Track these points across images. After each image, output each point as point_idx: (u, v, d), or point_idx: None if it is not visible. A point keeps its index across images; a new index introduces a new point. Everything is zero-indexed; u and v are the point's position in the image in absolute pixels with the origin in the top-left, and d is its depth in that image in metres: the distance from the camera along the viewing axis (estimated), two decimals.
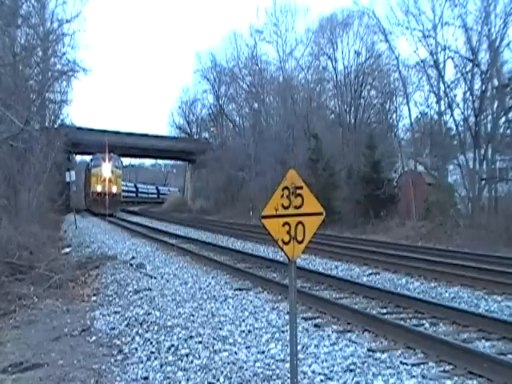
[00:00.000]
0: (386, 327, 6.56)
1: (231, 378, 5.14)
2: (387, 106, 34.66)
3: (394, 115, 34.28)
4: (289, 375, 4.58)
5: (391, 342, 6.23)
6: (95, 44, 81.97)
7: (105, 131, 42.09)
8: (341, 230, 23.27)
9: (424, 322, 7.16)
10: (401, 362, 5.51)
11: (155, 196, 72.31)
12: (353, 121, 32.78)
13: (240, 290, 9.75)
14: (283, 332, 6.65)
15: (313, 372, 5.26)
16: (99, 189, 40.32)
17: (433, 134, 24.73)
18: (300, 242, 4.30)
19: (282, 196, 4.25)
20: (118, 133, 44.61)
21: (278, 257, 13.48)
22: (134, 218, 36.35)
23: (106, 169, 40.61)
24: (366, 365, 5.43)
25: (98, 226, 28.14)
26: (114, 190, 41.22)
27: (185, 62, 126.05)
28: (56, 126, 29.32)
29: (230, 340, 6.39)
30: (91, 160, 43.11)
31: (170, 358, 5.79)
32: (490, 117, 21.99)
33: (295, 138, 34.50)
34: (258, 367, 5.42)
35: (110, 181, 40.76)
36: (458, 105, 22.32)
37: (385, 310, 7.89)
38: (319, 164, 27.09)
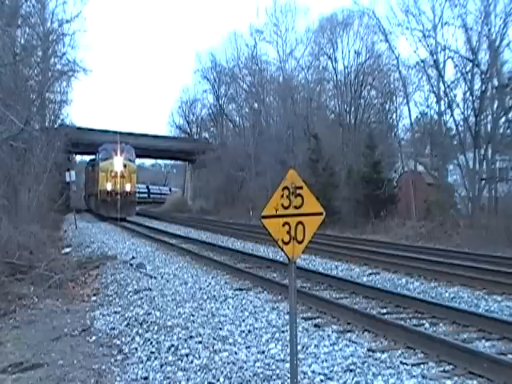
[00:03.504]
0: (386, 327, 6.57)
1: (231, 378, 5.14)
2: (387, 106, 34.72)
3: (394, 115, 34.35)
4: (289, 375, 4.58)
5: (391, 342, 6.23)
6: (95, 44, 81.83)
7: (105, 131, 41.42)
8: (341, 230, 23.26)
9: (424, 321, 7.16)
10: (401, 362, 5.52)
11: (146, 196, 70.75)
12: (353, 121, 32.78)
13: (240, 289, 9.75)
14: (283, 332, 6.65)
15: (313, 372, 5.26)
16: (109, 187, 32.97)
17: (433, 134, 24.75)
18: (300, 242, 4.30)
19: (282, 196, 4.25)
20: (117, 133, 43.00)
21: (278, 257, 13.48)
22: (133, 218, 36.25)
23: (118, 162, 33.21)
24: (365, 365, 5.43)
25: (98, 226, 28.15)
26: (128, 188, 33.55)
27: (185, 62, 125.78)
28: (56, 126, 29.27)
29: (230, 340, 6.39)
30: (99, 152, 35.03)
31: (170, 358, 5.79)
32: (489, 117, 21.99)
33: (295, 138, 34.49)
34: (258, 367, 5.42)
35: (122, 177, 33.33)
36: (458, 105, 22.36)
37: (385, 310, 7.89)
38: (319, 164, 27.09)
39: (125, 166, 33.49)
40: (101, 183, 33.37)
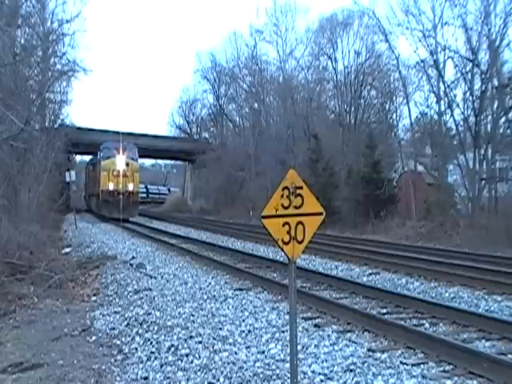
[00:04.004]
0: (386, 327, 6.56)
1: (231, 378, 5.14)
2: (387, 106, 34.70)
3: (394, 115, 34.34)
4: (289, 375, 4.58)
5: (391, 342, 6.23)
6: (95, 44, 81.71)
7: (105, 131, 41.30)
8: (341, 230, 23.27)
9: (424, 321, 7.16)
10: (401, 362, 5.51)
11: (144, 196, 69.92)
12: (353, 121, 32.79)
13: (240, 289, 9.75)
14: (283, 332, 6.65)
15: (313, 372, 5.26)
16: (112, 186, 31.55)
17: (433, 134, 24.75)
18: (300, 242, 4.30)
19: (282, 196, 4.26)
20: (117, 133, 42.33)
21: (278, 257, 13.48)
22: (133, 218, 36.10)
23: (121, 161, 31.87)
24: (365, 365, 5.43)
25: (98, 226, 28.14)
26: (131, 187, 32.16)
27: (185, 62, 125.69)
28: (56, 126, 29.25)
29: (230, 340, 6.39)
30: (100, 150, 33.40)
31: (170, 358, 5.79)
32: (489, 117, 22.01)
33: (295, 138, 34.51)
34: (258, 367, 5.42)
35: (125, 176, 31.90)
36: (457, 105, 22.38)
37: (385, 310, 7.89)
38: (319, 164, 27.10)
39: (127, 164, 32.16)
40: (102, 183, 31.95)
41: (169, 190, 69.88)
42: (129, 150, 32.66)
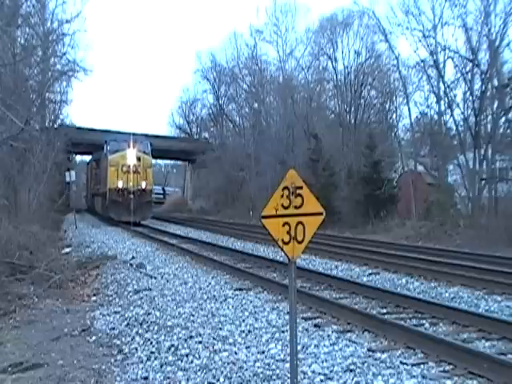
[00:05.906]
0: (386, 327, 6.56)
1: (231, 377, 5.13)
2: (387, 106, 34.72)
3: (394, 115, 34.36)
4: (289, 375, 4.58)
5: (391, 342, 6.23)
6: (95, 44, 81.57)
7: (105, 131, 41.19)
8: (341, 230, 23.25)
9: (424, 321, 7.16)
10: (401, 362, 5.51)
11: None
12: (353, 121, 32.78)
13: (240, 289, 9.75)
14: (283, 332, 6.65)
15: (313, 372, 5.26)
16: (121, 184, 27.10)
17: (433, 134, 24.76)
18: (300, 242, 4.30)
19: (282, 196, 4.25)
20: (118, 133, 41.76)
21: (278, 257, 13.48)
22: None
23: (131, 155, 27.34)
24: (365, 365, 5.43)
25: (98, 226, 28.12)
26: (144, 185, 27.72)
27: (185, 62, 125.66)
28: (56, 126, 29.23)
29: (230, 340, 6.39)
30: (107, 143, 28.98)
31: (170, 357, 5.79)
32: (489, 117, 22.03)
33: (295, 138, 34.51)
34: (258, 367, 5.42)
35: (136, 172, 27.37)
36: (457, 105, 22.41)
37: (385, 310, 7.89)
38: (319, 164, 27.10)
39: (139, 158, 27.63)
40: (110, 180, 27.36)
41: (163, 189, 68.88)
42: (140, 143, 28.52)
